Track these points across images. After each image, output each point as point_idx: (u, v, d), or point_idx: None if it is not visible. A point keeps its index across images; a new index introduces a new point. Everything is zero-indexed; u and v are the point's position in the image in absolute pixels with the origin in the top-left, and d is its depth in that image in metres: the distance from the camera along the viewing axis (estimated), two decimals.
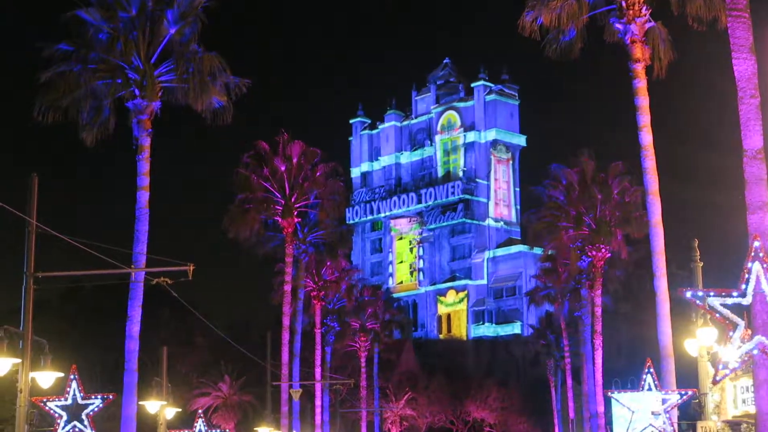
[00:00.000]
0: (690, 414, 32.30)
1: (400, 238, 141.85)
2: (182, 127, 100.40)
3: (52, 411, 24.57)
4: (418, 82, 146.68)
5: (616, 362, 73.17)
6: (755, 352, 16.11)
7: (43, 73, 31.20)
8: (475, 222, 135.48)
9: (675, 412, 25.88)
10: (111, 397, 25.33)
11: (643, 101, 29.90)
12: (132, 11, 31.86)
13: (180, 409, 43.99)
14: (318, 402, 64.10)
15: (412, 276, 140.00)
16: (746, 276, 15.85)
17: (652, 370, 24.47)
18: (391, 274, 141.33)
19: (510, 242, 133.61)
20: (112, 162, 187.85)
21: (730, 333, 15.79)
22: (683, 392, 25.20)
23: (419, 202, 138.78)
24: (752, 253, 15.86)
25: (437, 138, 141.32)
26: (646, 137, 29.79)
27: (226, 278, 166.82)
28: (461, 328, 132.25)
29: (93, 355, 66.89)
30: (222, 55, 32.92)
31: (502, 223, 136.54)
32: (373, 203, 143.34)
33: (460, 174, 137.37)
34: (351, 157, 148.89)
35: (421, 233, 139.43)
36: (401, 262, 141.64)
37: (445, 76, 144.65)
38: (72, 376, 24.77)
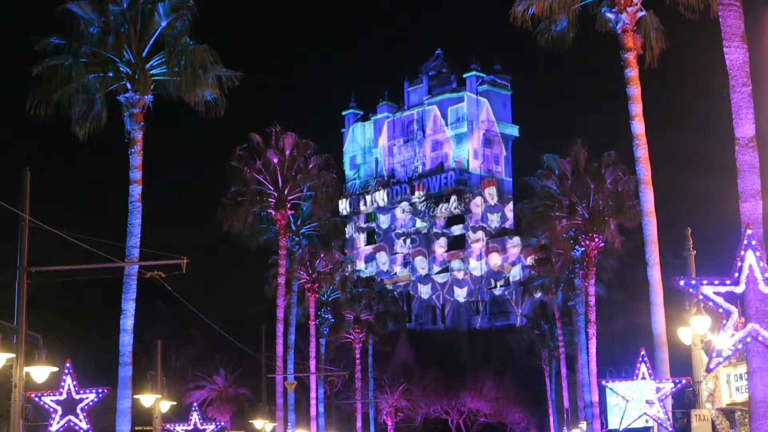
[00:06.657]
0: (684, 402, 32.40)
1: (394, 229, 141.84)
2: (175, 120, 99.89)
3: (46, 405, 24.57)
4: (411, 73, 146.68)
5: (610, 351, 73.08)
6: (748, 339, 16.12)
7: (34, 67, 31.19)
8: (468, 212, 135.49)
9: (669, 401, 25.94)
10: (106, 391, 25.32)
11: (635, 90, 29.90)
12: (123, 4, 31.79)
13: (175, 403, 43.98)
14: (313, 394, 64.21)
15: (405, 267, 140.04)
16: (739, 264, 15.85)
17: (646, 359, 24.56)
18: (384, 265, 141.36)
19: (503, 232, 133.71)
20: (105, 156, 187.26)
21: (724, 321, 15.79)
22: (677, 381, 25.30)
23: (412, 192, 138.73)
24: (745, 242, 15.86)
25: (430, 129, 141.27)
26: (639, 126, 29.79)
27: (220, 271, 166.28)
28: (455, 319, 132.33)
29: (87, 349, 66.72)
30: (214, 48, 32.90)
31: (495, 213, 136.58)
32: (366, 195, 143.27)
33: (453, 165, 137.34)
34: (344, 149, 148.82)
35: (414, 224, 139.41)
36: (395, 253, 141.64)
37: (437, 67, 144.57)
38: (66, 371, 24.77)
